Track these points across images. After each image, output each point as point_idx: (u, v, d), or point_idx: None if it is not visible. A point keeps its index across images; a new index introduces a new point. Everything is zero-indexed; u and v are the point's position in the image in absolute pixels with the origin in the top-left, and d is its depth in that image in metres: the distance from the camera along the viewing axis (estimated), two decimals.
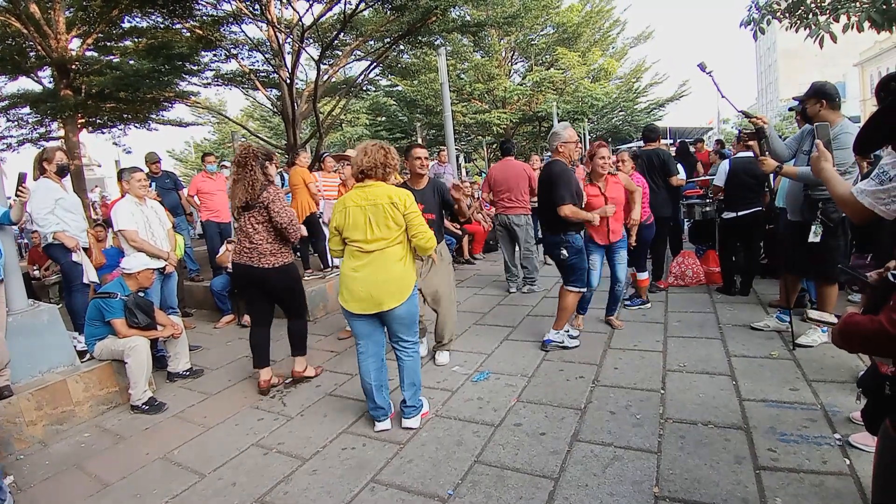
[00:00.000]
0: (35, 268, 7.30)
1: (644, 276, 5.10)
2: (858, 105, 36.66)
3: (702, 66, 3.73)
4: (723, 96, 3.87)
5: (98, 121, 13.74)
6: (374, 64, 14.09)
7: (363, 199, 2.93)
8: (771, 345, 3.81)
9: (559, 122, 22.16)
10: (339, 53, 13.88)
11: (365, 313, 2.96)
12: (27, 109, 13.23)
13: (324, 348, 4.71)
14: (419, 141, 22.08)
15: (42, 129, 14.11)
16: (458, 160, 18.40)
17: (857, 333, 1.36)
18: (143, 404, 3.70)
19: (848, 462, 2.38)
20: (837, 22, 6.00)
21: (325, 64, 12.87)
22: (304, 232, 4.06)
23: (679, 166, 5.82)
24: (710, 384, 3.29)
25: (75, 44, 11.11)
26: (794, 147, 3.82)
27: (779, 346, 3.78)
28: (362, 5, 11.17)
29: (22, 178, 3.77)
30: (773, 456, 2.48)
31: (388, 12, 11.87)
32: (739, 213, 4.96)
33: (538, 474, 2.52)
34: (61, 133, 12.78)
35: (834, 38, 5.79)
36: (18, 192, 3.80)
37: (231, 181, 3.80)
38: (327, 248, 6.54)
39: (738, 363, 3.57)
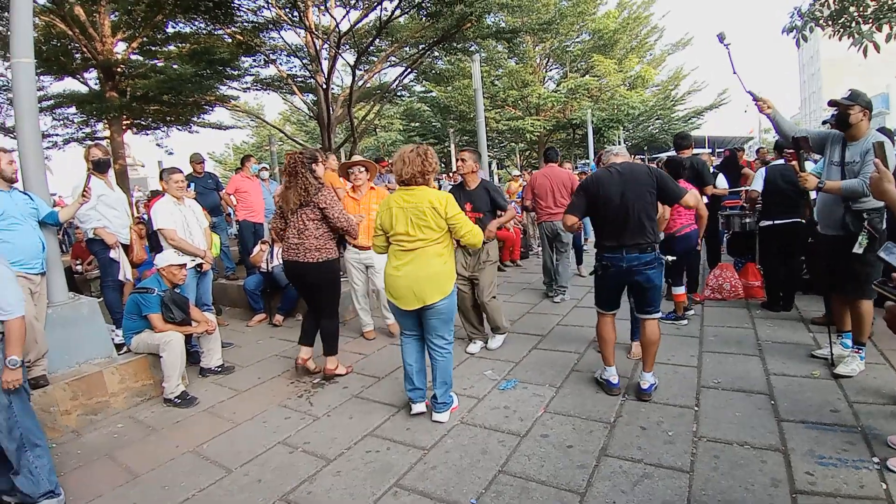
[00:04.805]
0: (77, 262, 7.55)
1: (680, 290, 4.82)
2: None
3: (720, 37, 3.64)
4: (734, 72, 3.75)
5: (142, 123, 14.24)
6: (409, 70, 14.24)
7: (406, 202, 3.11)
8: (812, 364, 3.65)
9: (594, 130, 22.03)
10: (375, 59, 14.08)
11: (410, 309, 3.12)
12: (73, 109, 13.76)
13: (352, 350, 4.74)
14: (451, 146, 22.17)
15: (87, 129, 14.68)
16: (490, 167, 18.38)
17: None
18: (175, 398, 3.78)
19: (885, 487, 2.27)
20: (880, 31, 5.80)
21: (361, 69, 13.08)
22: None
23: (721, 176, 5.64)
24: (746, 402, 3.17)
25: (120, 47, 11.53)
26: (819, 143, 3.62)
27: (820, 365, 3.62)
28: (398, 12, 11.31)
29: (88, 180, 3.96)
30: (810, 479, 2.36)
31: (424, 19, 12.01)
32: (776, 222, 4.80)
33: (564, 488, 2.46)
34: (107, 133, 13.27)
35: (877, 48, 5.61)
36: (84, 193, 3.97)
37: (282, 189, 3.97)
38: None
39: (777, 382, 3.43)
